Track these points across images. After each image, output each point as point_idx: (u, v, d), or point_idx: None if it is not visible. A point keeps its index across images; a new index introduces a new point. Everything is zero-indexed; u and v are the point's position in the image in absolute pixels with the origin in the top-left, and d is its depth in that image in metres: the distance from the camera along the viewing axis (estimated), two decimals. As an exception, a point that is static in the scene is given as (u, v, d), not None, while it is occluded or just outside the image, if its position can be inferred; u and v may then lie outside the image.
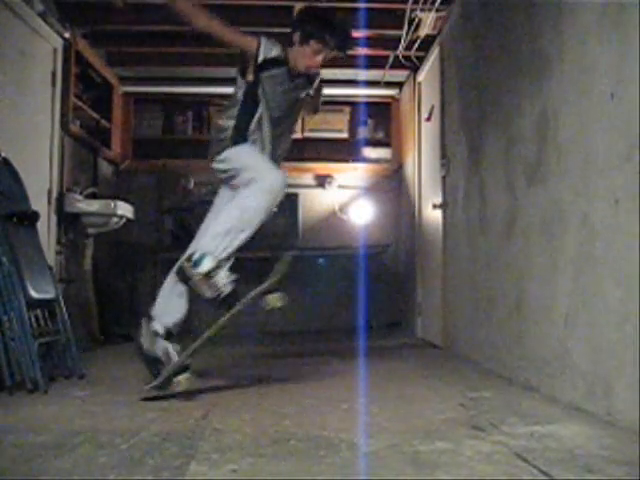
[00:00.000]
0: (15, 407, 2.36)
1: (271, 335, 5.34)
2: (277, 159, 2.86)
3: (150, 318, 2.75)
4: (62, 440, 1.82)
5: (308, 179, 6.07)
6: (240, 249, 2.60)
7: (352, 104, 6.01)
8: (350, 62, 4.82)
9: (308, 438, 1.84)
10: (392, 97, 5.96)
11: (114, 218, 4.58)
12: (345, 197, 6.08)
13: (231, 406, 2.37)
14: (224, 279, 2.51)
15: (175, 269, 2.73)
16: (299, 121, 4.39)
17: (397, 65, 5.02)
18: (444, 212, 4.16)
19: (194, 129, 6.07)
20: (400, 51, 4.67)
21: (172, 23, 4.55)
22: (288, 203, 5.75)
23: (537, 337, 2.56)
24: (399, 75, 5.48)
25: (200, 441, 1.81)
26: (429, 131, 4.73)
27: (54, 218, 4.21)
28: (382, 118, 6.08)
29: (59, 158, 4.32)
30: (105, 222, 4.58)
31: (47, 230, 4.03)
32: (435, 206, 4.28)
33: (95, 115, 5.11)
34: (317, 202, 6.08)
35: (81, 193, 4.50)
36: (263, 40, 2.74)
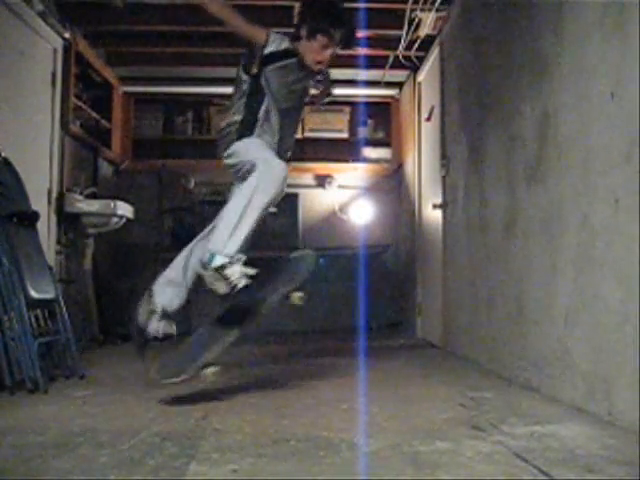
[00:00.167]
0: (15, 407, 2.37)
1: (270, 335, 5.33)
2: (286, 149, 2.87)
3: (151, 293, 2.76)
4: (62, 440, 1.82)
5: (308, 179, 6.07)
6: (249, 245, 2.60)
7: (352, 104, 6.01)
8: (350, 62, 4.82)
9: (308, 438, 1.83)
10: (392, 97, 5.96)
11: (114, 218, 4.58)
12: (345, 197, 6.08)
13: (231, 406, 2.37)
14: (238, 273, 2.47)
15: (185, 252, 2.81)
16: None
17: (397, 65, 5.02)
18: (444, 212, 4.16)
19: (194, 129, 6.07)
20: (400, 51, 4.67)
21: (172, 23, 4.57)
22: (288, 203, 5.75)
23: (537, 337, 2.56)
24: (399, 75, 5.48)
25: (200, 441, 1.81)
26: (429, 131, 4.73)
27: (54, 218, 4.21)
28: (382, 118, 6.08)
29: (59, 158, 4.32)
30: (105, 222, 4.58)
31: (47, 230, 4.03)
32: (435, 206, 4.27)
33: (95, 115, 5.11)
34: (317, 202, 6.08)
35: (81, 193, 4.50)
36: (272, 33, 2.75)
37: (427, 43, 4.56)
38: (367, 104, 5.96)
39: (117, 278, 5.61)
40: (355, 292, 5.33)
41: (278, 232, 5.86)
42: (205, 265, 2.48)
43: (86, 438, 1.85)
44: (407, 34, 4.38)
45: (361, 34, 4.42)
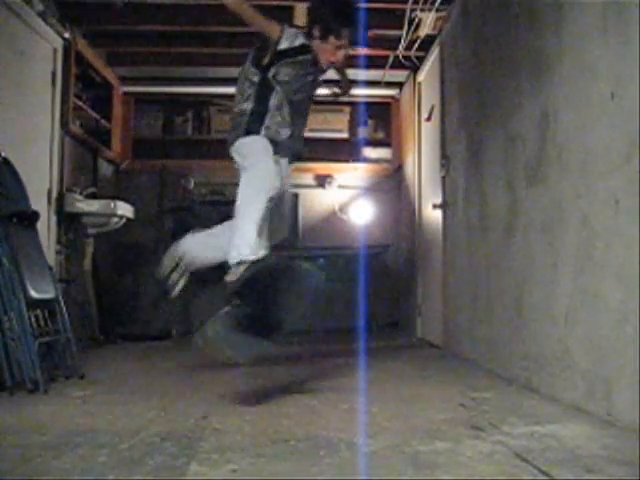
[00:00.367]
0: (15, 407, 2.36)
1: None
2: (298, 139, 2.89)
3: (178, 245, 2.92)
4: (62, 440, 1.82)
5: (308, 179, 6.07)
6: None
7: (352, 104, 6.01)
8: (350, 62, 4.82)
9: (308, 438, 1.83)
10: (392, 97, 5.96)
11: (114, 218, 4.58)
12: (345, 197, 6.08)
13: (231, 406, 2.37)
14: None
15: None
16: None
17: (397, 65, 5.02)
18: (444, 212, 4.16)
19: (194, 129, 6.07)
20: (400, 51, 4.67)
21: (172, 23, 4.57)
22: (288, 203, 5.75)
23: (537, 337, 2.56)
24: (399, 75, 5.47)
25: (200, 441, 1.81)
26: (429, 131, 4.73)
27: (54, 218, 4.21)
28: (382, 118, 6.08)
29: (59, 158, 4.32)
30: (105, 222, 4.58)
31: (47, 230, 4.03)
32: (435, 206, 4.27)
33: (95, 115, 5.11)
34: (317, 202, 6.08)
35: (81, 193, 4.50)
36: (286, 29, 2.77)
37: (427, 43, 4.56)
38: (367, 104, 5.96)
39: (117, 278, 5.62)
40: (355, 292, 5.32)
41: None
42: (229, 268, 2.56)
43: (86, 438, 1.85)
44: (407, 34, 4.37)
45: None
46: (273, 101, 2.74)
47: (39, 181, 3.99)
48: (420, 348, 4.41)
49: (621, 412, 1.91)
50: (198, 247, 3.01)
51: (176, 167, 5.87)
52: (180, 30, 4.77)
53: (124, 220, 4.70)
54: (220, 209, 5.54)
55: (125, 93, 5.76)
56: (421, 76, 5.05)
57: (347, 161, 5.98)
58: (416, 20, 4.19)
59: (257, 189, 2.57)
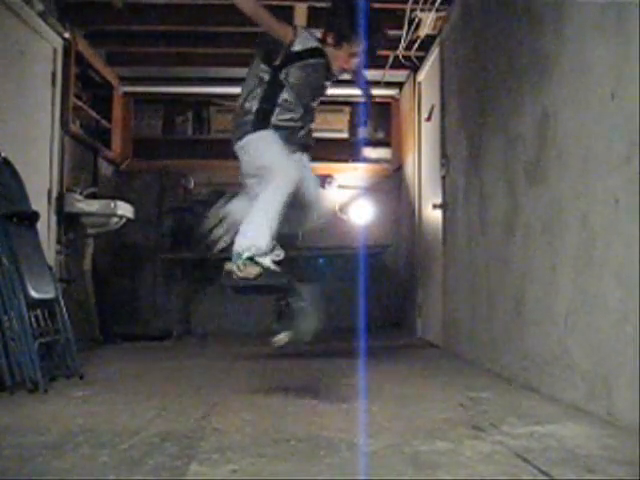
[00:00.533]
0: (15, 407, 2.36)
1: (269, 335, 5.33)
2: (306, 133, 2.88)
3: (224, 207, 2.93)
4: (62, 440, 1.82)
5: (308, 179, 6.05)
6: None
7: (352, 104, 6.01)
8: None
9: (308, 438, 1.83)
10: (392, 97, 5.96)
11: (114, 218, 4.58)
12: (345, 197, 6.07)
13: (231, 406, 2.37)
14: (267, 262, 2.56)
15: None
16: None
17: (397, 65, 5.01)
18: (444, 212, 4.16)
19: (194, 129, 6.07)
20: (400, 51, 4.67)
21: (172, 23, 4.58)
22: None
23: (537, 337, 2.56)
24: (399, 75, 5.47)
25: (200, 441, 1.81)
26: (429, 131, 4.73)
27: (54, 218, 4.21)
28: (382, 118, 6.08)
29: (59, 158, 4.32)
30: (105, 222, 4.58)
31: (47, 230, 4.03)
32: (435, 206, 4.27)
33: (95, 115, 5.11)
34: (317, 202, 6.06)
35: (81, 193, 4.50)
36: (299, 32, 2.75)
37: (427, 43, 4.56)
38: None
39: (117, 278, 5.62)
40: (355, 292, 5.32)
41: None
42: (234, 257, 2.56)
43: (86, 438, 1.85)
44: (407, 34, 4.37)
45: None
46: (282, 99, 2.73)
47: (39, 181, 3.99)
48: (420, 348, 4.41)
49: (621, 412, 1.91)
50: (241, 213, 2.95)
51: (176, 167, 5.86)
52: (180, 30, 4.77)
53: (124, 220, 4.70)
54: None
55: (125, 93, 5.76)
56: (421, 76, 5.05)
57: (347, 161, 5.98)
58: (416, 20, 4.19)
59: (278, 184, 2.55)
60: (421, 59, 4.90)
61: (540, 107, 2.57)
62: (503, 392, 2.56)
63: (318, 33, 2.84)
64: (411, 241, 5.34)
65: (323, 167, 6.00)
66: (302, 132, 2.83)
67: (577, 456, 1.61)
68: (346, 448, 1.72)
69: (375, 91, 5.82)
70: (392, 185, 6.02)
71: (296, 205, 2.71)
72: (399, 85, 5.75)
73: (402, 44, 4.53)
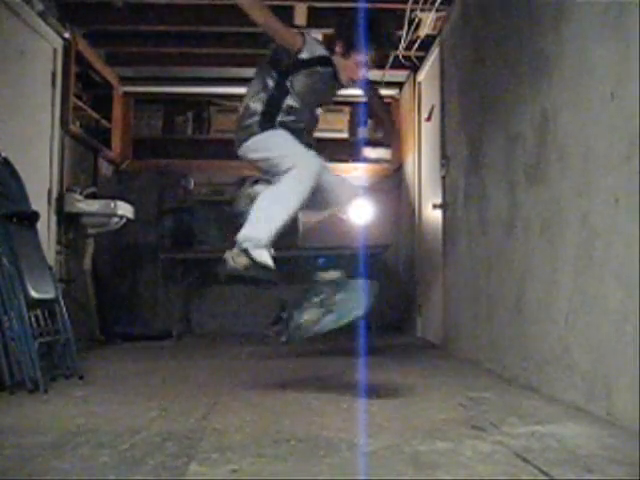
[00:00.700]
0: (15, 407, 2.36)
1: (267, 335, 5.33)
2: (309, 134, 2.91)
3: (255, 187, 2.87)
4: (62, 440, 1.82)
5: (308, 179, 6.05)
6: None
7: (352, 104, 6.00)
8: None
9: (308, 438, 1.83)
10: (392, 97, 5.96)
11: (114, 218, 4.58)
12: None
13: (231, 406, 2.37)
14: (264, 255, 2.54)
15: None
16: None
17: (397, 65, 5.01)
18: (444, 212, 4.16)
19: (194, 129, 6.07)
20: (400, 51, 4.67)
21: (172, 23, 4.57)
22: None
23: (537, 337, 2.56)
24: (399, 75, 5.47)
25: (200, 441, 1.81)
26: (429, 131, 4.73)
27: (54, 218, 4.21)
28: (382, 118, 6.07)
29: (59, 158, 4.32)
30: (105, 222, 4.58)
31: (47, 230, 4.03)
32: (435, 206, 4.27)
33: (95, 115, 5.11)
34: (317, 202, 6.06)
35: (81, 193, 4.50)
36: (308, 38, 2.73)
37: (427, 43, 4.56)
38: (367, 104, 5.95)
39: (117, 278, 5.62)
40: (355, 292, 5.31)
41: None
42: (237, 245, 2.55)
43: (86, 438, 1.84)
44: (407, 34, 4.37)
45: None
46: (286, 104, 2.72)
47: (39, 181, 3.99)
48: (420, 348, 4.41)
49: (621, 412, 1.91)
50: None
51: (176, 167, 5.86)
52: (180, 30, 4.77)
53: (124, 220, 4.70)
54: (220, 209, 5.56)
55: (125, 93, 5.76)
56: (421, 76, 5.05)
57: (347, 161, 5.97)
58: (416, 20, 4.19)
59: (301, 176, 2.55)
60: (421, 59, 4.90)
61: (540, 107, 2.57)
62: (503, 392, 2.56)
63: (319, 35, 2.83)
64: (411, 241, 5.34)
65: (323, 167, 6.01)
66: (305, 133, 2.83)
67: (577, 456, 1.61)
68: (346, 448, 1.72)
69: (375, 91, 5.84)
70: (392, 185, 6.02)
71: (320, 189, 2.71)
72: (399, 85, 5.75)
73: (402, 44, 4.53)
